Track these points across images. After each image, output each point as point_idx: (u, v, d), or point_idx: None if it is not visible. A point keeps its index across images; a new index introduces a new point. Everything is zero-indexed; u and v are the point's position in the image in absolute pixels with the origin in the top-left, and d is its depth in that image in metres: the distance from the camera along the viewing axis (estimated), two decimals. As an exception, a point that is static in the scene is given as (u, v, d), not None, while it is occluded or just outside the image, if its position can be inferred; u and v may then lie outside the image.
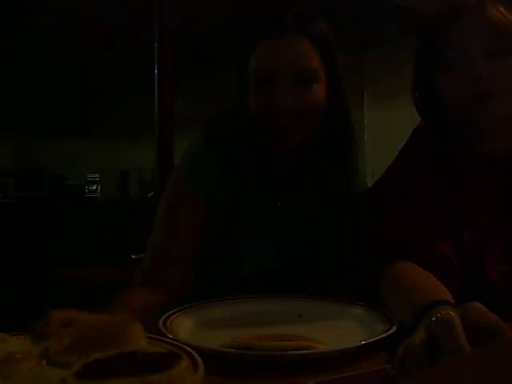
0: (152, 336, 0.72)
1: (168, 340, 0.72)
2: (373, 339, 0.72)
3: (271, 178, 1.10)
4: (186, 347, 0.67)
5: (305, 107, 1.01)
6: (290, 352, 0.67)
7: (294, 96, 1.00)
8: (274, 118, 1.02)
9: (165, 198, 1.10)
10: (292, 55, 1.01)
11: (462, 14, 0.94)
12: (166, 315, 0.81)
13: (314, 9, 1.09)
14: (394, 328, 0.75)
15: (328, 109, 1.05)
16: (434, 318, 0.62)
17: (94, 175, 5.83)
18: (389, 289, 0.84)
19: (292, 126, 1.01)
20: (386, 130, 3.89)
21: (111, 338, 0.68)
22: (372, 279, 0.87)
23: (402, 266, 0.86)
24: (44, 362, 0.67)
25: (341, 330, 0.83)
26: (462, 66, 0.92)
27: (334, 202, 1.11)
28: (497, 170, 0.97)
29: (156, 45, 2.10)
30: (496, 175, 0.97)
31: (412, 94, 1.03)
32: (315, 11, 1.10)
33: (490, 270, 0.93)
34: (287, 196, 1.12)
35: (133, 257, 2.33)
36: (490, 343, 0.59)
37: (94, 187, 5.75)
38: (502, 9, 0.92)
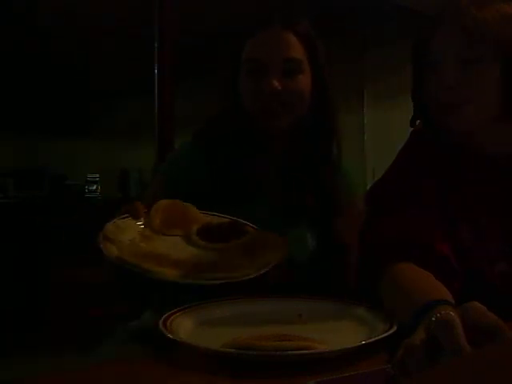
0: (202, 212, 1.05)
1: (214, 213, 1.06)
2: (373, 339, 0.71)
3: (266, 178, 1.13)
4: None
5: (291, 96, 1.09)
6: (290, 352, 0.67)
7: (280, 84, 1.07)
8: (263, 107, 1.09)
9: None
10: (278, 45, 1.10)
11: (442, 20, 0.94)
12: (166, 315, 0.81)
13: (315, 9, 1.11)
14: (394, 328, 0.75)
15: (312, 102, 1.13)
16: (433, 318, 0.62)
17: (93, 175, 5.83)
18: (388, 289, 0.84)
19: (280, 114, 1.09)
20: (386, 130, 3.89)
21: (182, 216, 1.02)
22: (372, 279, 0.87)
23: (402, 266, 0.86)
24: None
25: (341, 330, 0.83)
26: (437, 73, 0.94)
27: (326, 201, 1.13)
28: (497, 169, 0.97)
29: (156, 45, 2.10)
30: (496, 175, 0.97)
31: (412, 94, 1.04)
32: (315, 11, 1.12)
33: (490, 269, 0.93)
34: (287, 195, 1.13)
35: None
36: (490, 343, 0.59)
37: (94, 187, 5.75)
38: (486, 14, 0.90)
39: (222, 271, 0.91)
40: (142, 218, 1.01)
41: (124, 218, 1.00)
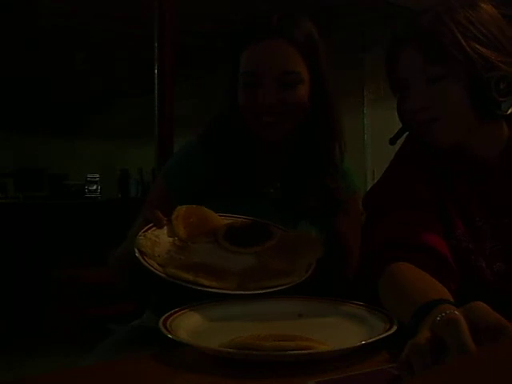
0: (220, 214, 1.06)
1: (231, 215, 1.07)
2: (373, 339, 0.71)
3: (267, 178, 1.14)
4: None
5: (287, 108, 1.07)
6: (289, 352, 0.67)
7: (276, 97, 1.06)
8: (259, 120, 1.08)
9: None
10: (274, 59, 1.07)
11: (403, 40, 0.94)
12: (166, 315, 0.81)
13: (315, 9, 1.10)
14: (395, 327, 0.74)
15: (313, 108, 1.11)
16: (438, 318, 0.61)
17: (93, 175, 5.83)
18: (387, 289, 0.84)
19: (274, 124, 1.08)
20: (386, 130, 3.89)
21: (203, 221, 1.03)
22: (372, 279, 0.87)
23: (401, 266, 0.85)
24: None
25: (341, 330, 0.83)
26: (405, 93, 0.95)
27: (328, 201, 1.13)
28: (492, 169, 0.96)
29: (156, 45, 2.10)
30: (491, 175, 0.97)
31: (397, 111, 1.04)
32: (316, 11, 1.11)
33: (488, 269, 0.93)
34: (288, 196, 1.14)
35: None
36: (495, 343, 0.59)
37: (94, 187, 5.74)
38: (446, 31, 0.89)
39: (271, 278, 0.92)
40: (166, 227, 1.01)
41: (149, 228, 0.99)
